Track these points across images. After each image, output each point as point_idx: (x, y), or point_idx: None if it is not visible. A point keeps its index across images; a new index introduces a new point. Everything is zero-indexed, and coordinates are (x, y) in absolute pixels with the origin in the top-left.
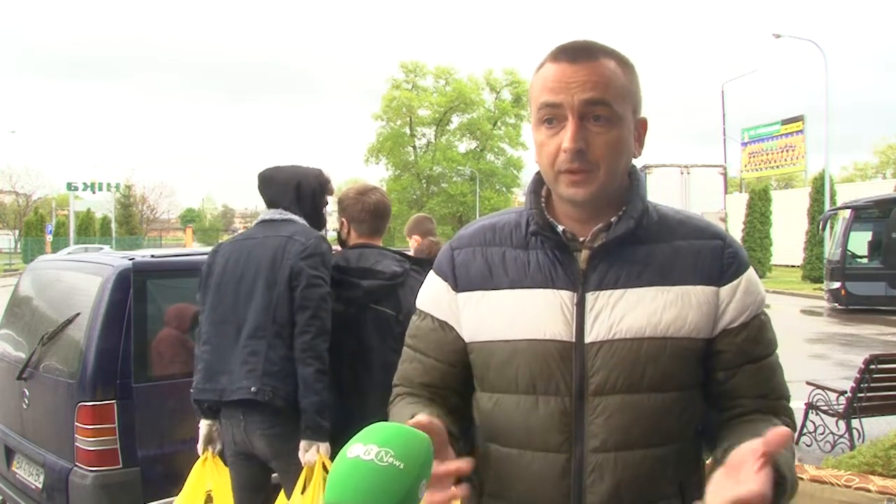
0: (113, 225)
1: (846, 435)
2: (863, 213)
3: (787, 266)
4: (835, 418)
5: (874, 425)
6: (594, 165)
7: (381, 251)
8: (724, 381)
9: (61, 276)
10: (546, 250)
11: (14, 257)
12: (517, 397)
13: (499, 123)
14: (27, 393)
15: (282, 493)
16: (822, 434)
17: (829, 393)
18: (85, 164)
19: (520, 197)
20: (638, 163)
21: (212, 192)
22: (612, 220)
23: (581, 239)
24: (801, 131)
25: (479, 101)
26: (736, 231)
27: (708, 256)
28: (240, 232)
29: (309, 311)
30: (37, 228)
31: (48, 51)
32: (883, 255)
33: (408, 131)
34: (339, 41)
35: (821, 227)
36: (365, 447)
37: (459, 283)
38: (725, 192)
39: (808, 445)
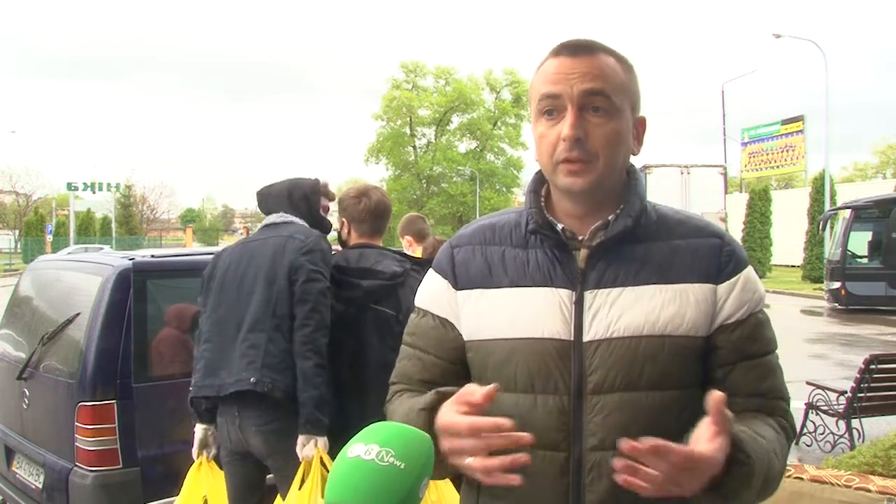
0: (113, 225)
1: (846, 435)
2: (863, 213)
3: (787, 266)
4: (835, 418)
5: (874, 425)
6: (593, 156)
7: (382, 251)
8: (721, 380)
9: (61, 276)
10: (545, 249)
11: (14, 257)
12: (516, 396)
13: (499, 123)
14: (27, 393)
15: (277, 497)
16: (822, 434)
17: (829, 393)
18: (85, 164)
19: (520, 197)
20: (638, 163)
21: (212, 192)
22: (610, 217)
23: (580, 238)
24: (801, 131)
25: (479, 101)
26: (736, 231)
27: (706, 254)
28: (240, 232)
29: (308, 304)
30: (37, 228)
31: (48, 51)
32: (883, 255)
33: (408, 131)
34: (339, 41)
35: (821, 227)
36: (366, 447)
37: (459, 281)
38: (725, 192)
39: (808, 445)
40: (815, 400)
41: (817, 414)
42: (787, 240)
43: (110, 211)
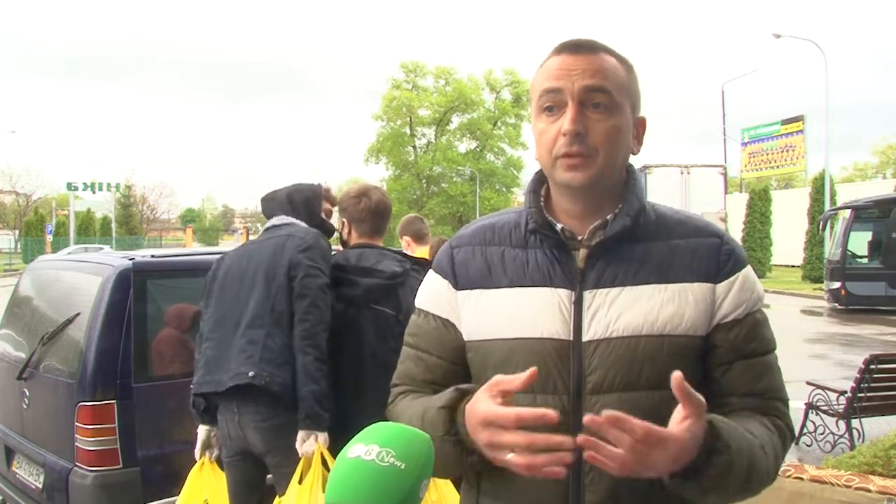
0: (113, 225)
1: (846, 435)
2: (863, 213)
3: (787, 266)
4: (835, 418)
5: (874, 425)
6: (593, 151)
7: (382, 251)
8: (719, 379)
9: (61, 276)
10: (545, 249)
11: (14, 257)
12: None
13: (499, 123)
14: (27, 393)
15: (276, 498)
16: (822, 434)
17: (829, 393)
18: (85, 164)
19: (520, 197)
20: (638, 163)
21: (212, 192)
22: (609, 217)
23: (579, 237)
24: (801, 131)
25: (479, 101)
26: (736, 231)
27: (705, 254)
28: (240, 232)
29: (307, 299)
30: (37, 228)
31: (48, 51)
32: (883, 255)
33: (408, 131)
34: (339, 41)
35: (821, 227)
36: (366, 447)
37: (459, 281)
38: (725, 192)
39: (808, 445)
40: (815, 400)
41: (817, 414)
42: (787, 240)
43: (110, 211)
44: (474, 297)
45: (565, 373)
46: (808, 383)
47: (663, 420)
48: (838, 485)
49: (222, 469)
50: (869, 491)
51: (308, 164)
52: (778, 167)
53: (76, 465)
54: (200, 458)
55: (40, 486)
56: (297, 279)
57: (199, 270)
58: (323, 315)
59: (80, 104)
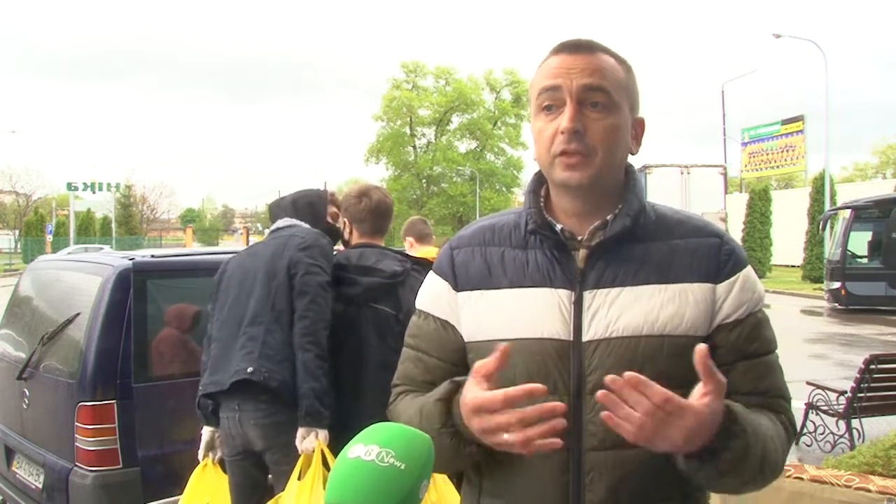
0: (113, 225)
1: (846, 435)
2: (863, 213)
3: (787, 266)
4: (835, 418)
5: (874, 425)
6: (591, 149)
7: (383, 251)
8: None
9: (61, 276)
10: (545, 250)
11: (14, 257)
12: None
13: (499, 123)
14: (27, 393)
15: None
16: (822, 434)
17: (829, 393)
18: (85, 164)
19: (520, 197)
20: (638, 163)
21: (212, 192)
22: (609, 217)
23: (579, 238)
24: (801, 131)
25: (479, 101)
26: (736, 231)
27: (705, 254)
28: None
29: (307, 296)
30: (37, 228)
31: (48, 51)
32: (883, 255)
33: (408, 131)
34: (339, 41)
35: (821, 227)
36: (366, 448)
37: (459, 282)
38: (725, 192)
39: (808, 445)
40: (815, 400)
41: (817, 414)
42: (787, 240)
43: (110, 211)
44: (474, 298)
45: (565, 373)
46: (808, 383)
47: None
48: (838, 485)
49: (225, 471)
50: (869, 491)
51: (308, 164)
52: (778, 167)
53: (76, 465)
54: (203, 459)
55: (40, 486)
56: (298, 277)
57: (199, 270)
58: (323, 312)
59: (79, 104)
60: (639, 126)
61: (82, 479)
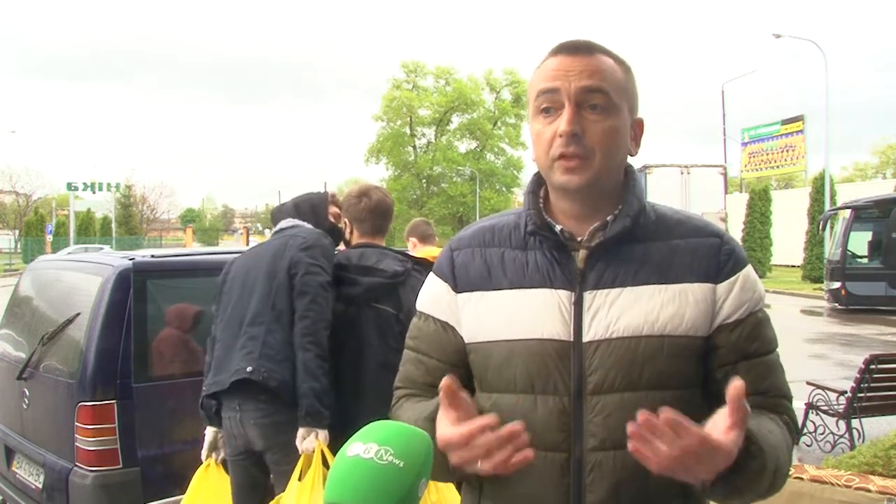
0: (113, 225)
1: (846, 435)
2: (863, 213)
3: (787, 266)
4: (835, 418)
5: (874, 425)
6: (590, 152)
7: (383, 251)
8: (721, 380)
9: (61, 276)
10: (544, 250)
11: (14, 257)
12: (516, 397)
13: (499, 123)
14: (27, 393)
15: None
16: (822, 434)
17: (829, 393)
18: (85, 164)
19: (519, 197)
20: (638, 163)
21: (212, 192)
22: (609, 218)
23: (579, 238)
24: (801, 131)
25: (479, 101)
26: (736, 231)
27: (705, 254)
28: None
29: (308, 296)
30: (37, 228)
31: (48, 51)
32: (883, 255)
33: (408, 131)
34: (339, 41)
35: (821, 227)
36: (364, 446)
37: (459, 283)
38: (725, 192)
39: (808, 445)
40: (815, 400)
41: (817, 414)
42: (787, 240)
43: (110, 211)
44: (474, 300)
45: (566, 374)
46: (808, 383)
47: None
48: (838, 485)
49: (227, 472)
50: (869, 491)
51: (308, 164)
52: (778, 167)
53: (76, 465)
54: (206, 459)
55: (40, 486)
56: (298, 276)
57: (198, 270)
58: (324, 312)
59: (79, 104)
60: (638, 127)
61: (82, 479)
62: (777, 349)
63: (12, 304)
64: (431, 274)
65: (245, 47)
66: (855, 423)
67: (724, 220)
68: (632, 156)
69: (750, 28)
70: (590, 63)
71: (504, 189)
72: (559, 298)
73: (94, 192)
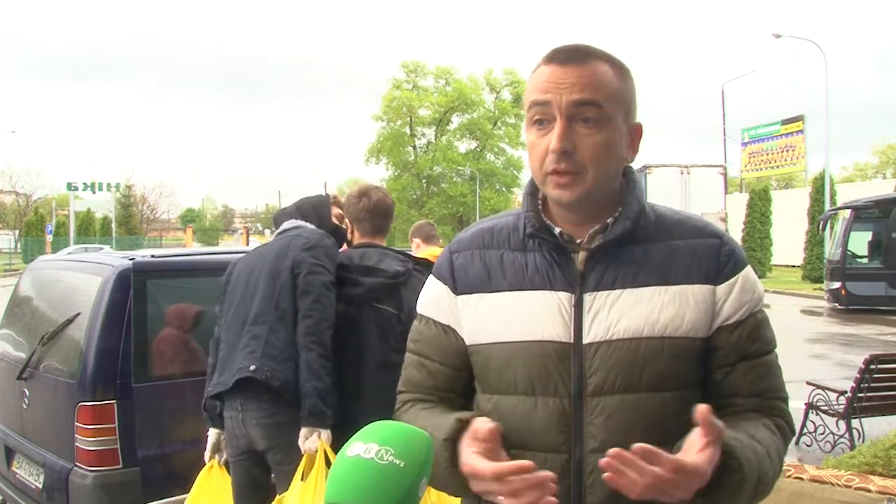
0: (113, 225)
1: (846, 435)
2: (863, 213)
3: (787, 266)
4: (835, 418)
5: (874, 425)
6: (581, 167)
7: (384, 251)
8: (721, 380)
9: (61, 276)
10: (544, 252)
11: (14, 257)
12: (516, 399)
13: (499, 123)
14: (27, 393)
15: (277, 498)
16: (822, 434)
17: (829, 393)
18: (85, 164)
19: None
20: (638, 163)
21: (212, 192)
22: (609, 220)
23: (578, 241)
24: (801, 131)
25: (479, 101)
26: (736, 231)
27: (705, 255)
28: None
29: (311, 296)
30: (37, 228)
31: (48, 51)
32: (883, 255)
33: (408, 131)
34: (339, 41)
35: (821, 227)
36: (365, 446)
37: (459, 285)
38: (725, 193)
39: (808, 445)
40: (815, 400)
41: (817, 414)
42: (787, 240)
43: (110, 211)
44: (474, 302)
45: (566, 375)
46: (808, 383)
47: (663, 419)
48: (838, 485)
49: (229, 471)
50: (869, 491)
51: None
52: (778, 167)
53: (76, 465)
54: (210, 460)
55: (40, 486)
56: (301, 276)
57: (198, 270)
58: (327, 312)
59: (79, 104)
60: (636, 132)
61: (82, 479)
62: (775, 350)
63: (12, 304)
64: (431, 276)
65: (245, 47)
66: (855, 423)
67: (724, 220)
68: (628, 162)
69: (750, 28)
70: (582, 74)
71: (504, 189)
72: (559, 300)
73: (94, 192)
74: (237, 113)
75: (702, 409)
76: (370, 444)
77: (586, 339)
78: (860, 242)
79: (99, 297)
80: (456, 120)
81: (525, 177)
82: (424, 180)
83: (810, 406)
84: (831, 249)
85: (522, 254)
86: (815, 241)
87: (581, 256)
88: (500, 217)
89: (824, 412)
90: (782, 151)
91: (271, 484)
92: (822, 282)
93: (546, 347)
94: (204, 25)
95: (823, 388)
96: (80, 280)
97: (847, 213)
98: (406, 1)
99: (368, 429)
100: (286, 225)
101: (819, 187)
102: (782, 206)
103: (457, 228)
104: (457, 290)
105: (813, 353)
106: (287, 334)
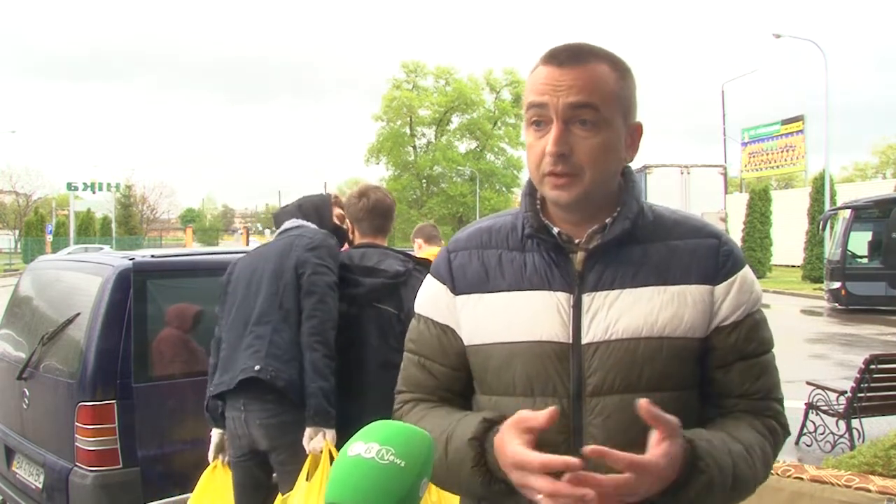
0: (113, 225)
1: (846, 435)
2: (863, 213)
3: (787, 266)
4: (835, 418)
5: (874, 425)
6: (578, 169)
7: (385, 251)
8: (718, 380)
9: (61, 276)
10: (542, 252)
11: (14, 257)
12: (515, 399)
13: (499, 123)
14: (27, 393)
15: (278, 497)
16: (822, 434)
17: (829, 393)
18: (85, 164)
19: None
20: (638, 163)
21: (212, 192)
22: (608, 221)
23: (576, 241)
24: (801, 131)
25: (479, 101)
26: (736, 231)
27: (703, 255)
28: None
29: (315, 296)
30: (37, 228)
31: (48, 51)
32: (883, 255)
33: (408, 131)
34: (339, 41)
35: (821, 227)
36: (366, 445)
37: (457, 285)
38: (725, 192)
39: (808, 445)
40: (815, 400)
41: (817, 414)
42: (787, 240)
43: (110, 211)
44: (472, 302)
45: (565, 375)
46: (808, 383)
47: None
48: (838, 485)
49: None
50: (869, 491)
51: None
52: (778, 167)
53: (76, 465)
54: (213, 461)
55: (40, 486)
56: (305, 276)
57: (198, 270)
58: (331, 312)
59: (79, 104)
60: (635, 132)
61: (82, 479)
62: (772, 350)
63: (12, 304)
64: (429, 276)
65: (245, 47)
66: (855, 423)
67: (724, 220)
68: (627, 162)
69: (750, 28)
70: (580, 75)
71: (504, 189)
72: (558, 300)
73: (94, 192)
74: (237, 113)
75: (643, 404)
76: (371, 444)
77: (585, 340)
78: (860, 242)
79: (99, 297)
80: (456, 120)
81: (525, 177)
82: (424, 180)
83: (810, 406)
84: (831, 249)
85: (521, 254)
86: (815, 241)
87: (579, 256)
88: (498, 217)
89: (824, 412)
90: (782, 151)
91: (272, 484)
92: (822, 282)
93: (545, 348)
94: (204, 25)
95: (823, 388)
96: (80, 280)
97: (847, 213)
98: (406, 1)
99: (369, 428)
100: (287, 224)
101: (819, 187)
102: (782, 206)
103: (457, 228)
104: (455, 290)
105: (813, 353)
106: (291, 334)
